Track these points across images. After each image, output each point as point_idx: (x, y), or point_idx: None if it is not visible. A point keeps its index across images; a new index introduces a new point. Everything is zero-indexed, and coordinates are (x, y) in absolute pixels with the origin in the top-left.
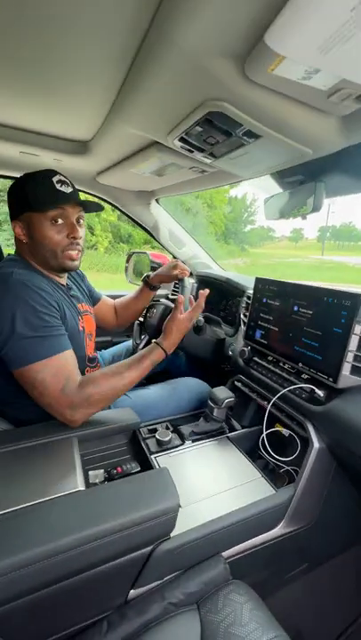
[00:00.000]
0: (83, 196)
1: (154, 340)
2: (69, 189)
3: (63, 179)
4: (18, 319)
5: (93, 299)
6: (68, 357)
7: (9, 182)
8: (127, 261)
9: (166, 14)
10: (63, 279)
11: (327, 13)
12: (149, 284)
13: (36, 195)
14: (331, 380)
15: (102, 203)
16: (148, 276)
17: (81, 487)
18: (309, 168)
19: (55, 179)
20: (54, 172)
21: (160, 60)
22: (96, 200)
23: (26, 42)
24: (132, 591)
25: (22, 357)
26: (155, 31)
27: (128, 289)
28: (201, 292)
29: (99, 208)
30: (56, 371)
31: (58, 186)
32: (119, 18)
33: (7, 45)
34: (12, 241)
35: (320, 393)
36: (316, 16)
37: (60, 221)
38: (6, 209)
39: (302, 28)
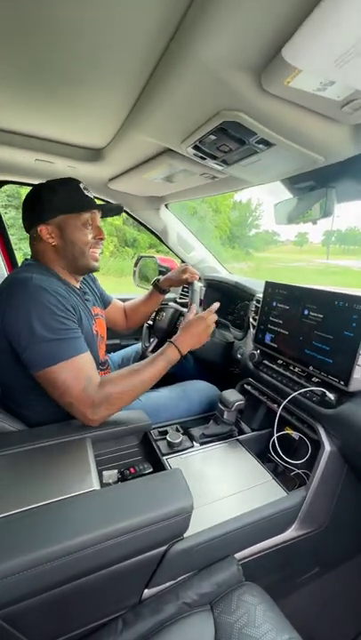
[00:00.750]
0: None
1: (168, 340)
2: (92, 195)
3: (85, 186)
4: (37, 322)
5: (104, 301)
6: (86, 359)
7: (17, 187)
8: (135, 265)
9: (188, 30)
10: (78, 283)
11: (344, 29)
12: (159, 288)
13: (70, 199)
14: (342, 383)
15: None
16: (158, 280)
17: (96, 487)
18: (320, 174)
19: (81, 185)
20: (78, 180)
21: (179, 73)
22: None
23: (45, 53)
24: (146, 591)
25: (43, 360)
26: (175, 45)
27: (134, 292)
28: (213, 305)
29: (118, 209)
30: (77, 372)
31: (85, 192)
32: (141, 32)
33: (26, 56)
34: (19, 245)
35: (331, 396)
36: (333, 32)
37: (89, 224)
38: (13, 214)
39: (320, 43)
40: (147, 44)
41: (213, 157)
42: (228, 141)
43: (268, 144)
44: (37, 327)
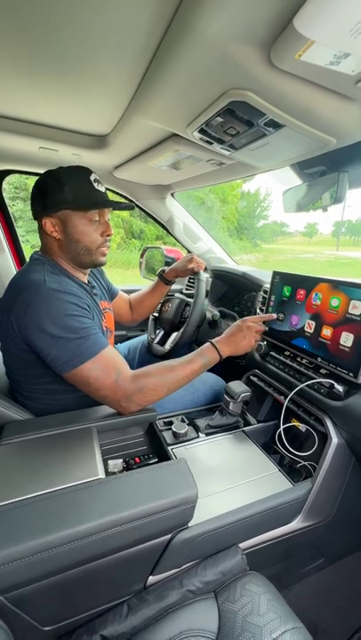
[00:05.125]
0: None
1: (209, 340)
2: (103, 188)
3: (98, 177)
4: (58, 326)
5: (111, 294)
6: (111, 352)
7: (24, 179)
8: (141, 256)
9: (191, 4)
10: (86, 277)
11: None
12: (165, 279)
13: (76, 193)
14: (351, 375)
15: (118, 198)
16: (163, 271)
17: (101, 475)
18: (332, 157)
19: (92, 177)
20: (90, 171)
21: (183, 51)
22: (112, 195)
23: (46, 38)
24: (150, 577)
25: (71, 360)
26: (178, 21)
27: (140, 284)
28: (270, 315)
29: (129, 207)
30: (105, 366)
31: (95, 185)
32: (142, 10)
33: (28, 42)
34: (27, 237)
35: (339, 388)
36: None
37: (96, 220)
38: (20, 206)
39: (334, 11)
40: (148, 23)
41: (220, 142)
42: (236, 123)
43: (277, 126)
44: (58, 330)
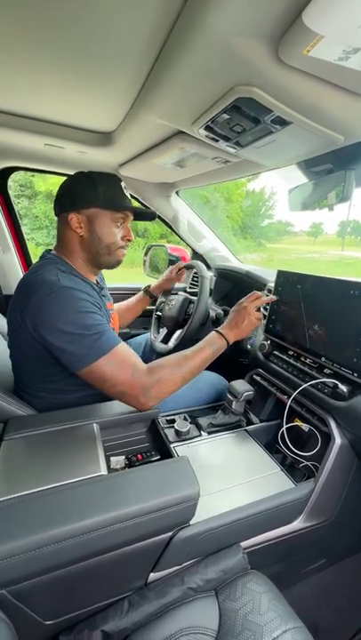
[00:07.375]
0: None
1: (214, 329)
2: (129, 195)
3: (125, 185)
4: (72, 322)
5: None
6: (125, 348)
7: (29, 176)
8: (145, 255)
9: None
10: (95, 278)
11: None
12: (150, 294)
13: (110, 194)
14: (355, 375)
15: None
16: (148, 286)
17: (104, 472)
18: (339, 155)
19: (122, 184)
20: (119, 178)
21: (190, 46)
22: None
23: (52, 35)
24: (152, 574)
25: (87, 356)
26: (185, 16)
27: (143, 282)
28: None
29: (152, 217)
30: (121, 361)
31: (125, 192)
32: (149, 6)
33: (33, 38)
34: (32, 235)
35: (343, 388)
36: None
37: (120, 223)
38: (25, 204)
39: (343, 6)
40: (155, 19)
41: (226, 139)
42: (242, 120)
43: (284, 123)
44: (73, 327)
